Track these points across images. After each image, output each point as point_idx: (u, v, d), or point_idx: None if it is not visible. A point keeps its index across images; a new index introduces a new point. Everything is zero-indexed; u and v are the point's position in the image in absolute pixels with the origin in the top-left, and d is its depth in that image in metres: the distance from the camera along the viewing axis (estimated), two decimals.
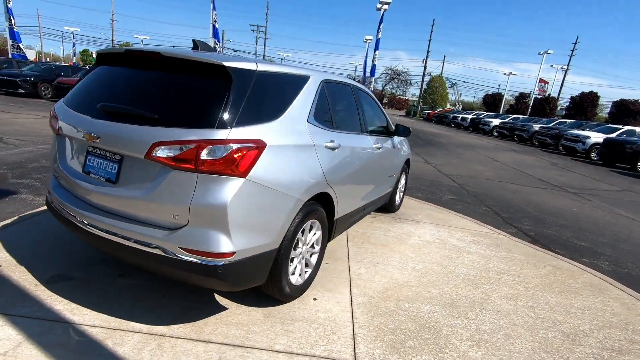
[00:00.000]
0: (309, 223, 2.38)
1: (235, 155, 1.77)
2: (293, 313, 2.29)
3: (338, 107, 2.90)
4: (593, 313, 2.75)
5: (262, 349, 1.93)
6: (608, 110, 38.75)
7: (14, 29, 23.19)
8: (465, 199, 6.36)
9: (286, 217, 2.07)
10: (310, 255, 2.56)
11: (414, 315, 2.42)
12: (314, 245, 2.58)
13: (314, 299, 2.47)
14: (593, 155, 16.23)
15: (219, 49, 22.69)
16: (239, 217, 1.81)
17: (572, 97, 36.66)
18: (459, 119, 32.38)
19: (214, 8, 20.44)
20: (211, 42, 19.95)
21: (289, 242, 2.15)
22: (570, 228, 5.32)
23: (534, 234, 4.83)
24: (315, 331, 2.13)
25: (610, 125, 19.35)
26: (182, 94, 1.96)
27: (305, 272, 2.52)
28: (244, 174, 1.80)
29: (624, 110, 32.67)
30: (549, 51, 36.55)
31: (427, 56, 48.82)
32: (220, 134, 1.75)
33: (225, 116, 1.78)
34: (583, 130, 18.10)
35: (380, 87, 51.95)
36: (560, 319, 2.60)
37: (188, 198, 1.75)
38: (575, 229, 5.32)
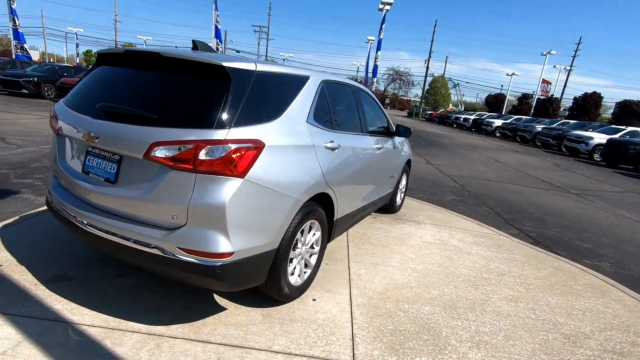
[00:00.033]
0: (308, 223, 2.38)
1: (234, 156, 1.77)
2: (292, 314, 2.28)
3: (338, 107, 2.89)
4: (594, 315, 2.73)
5: (260, 350, 1.93)
6: (611, 111, 38.67)
7: (18, 30, 23.29)
8: (466, 200, 6.34)
9: (285, 218, 2.07)
10: (310, 256, 2.56)
11: (413, 317, 2.41)
12: (314, 246, 2.57)
13: (314, 300, 2.47)
14: (596, 156, 16.15)
15: (221, 49, 22.73)
16: (237, 218, 1.81)
17: (575, 98, 36.57)
18: (462, 119, 32.29)
19: (216, 9, 20.46)
20: (213, 42, 19.97)
21: (288, 242, 2.14)
22: (572, 229, 5.29)
23: (536, 235, 4.81)
24: (314, 332, 2.13)
25: (613, 126, 19.25)
26: (181, 94, 1.96)
27: (305, 272, 2.52)
28: (242, 174, 1.80)
29: (627, 111, 32.56)
30: (552, 52, 36.33)
31: (430, 57, 48.79)
32: (219, 134, 1.75)
33: (224, 116, 1.78)
34: (586, 131, 18.00)
35: (382, 88, 52.01)
36: (561, 321, 2.58)
37: (186, 198, 1.75)
38: (577, 230, 5.29)
